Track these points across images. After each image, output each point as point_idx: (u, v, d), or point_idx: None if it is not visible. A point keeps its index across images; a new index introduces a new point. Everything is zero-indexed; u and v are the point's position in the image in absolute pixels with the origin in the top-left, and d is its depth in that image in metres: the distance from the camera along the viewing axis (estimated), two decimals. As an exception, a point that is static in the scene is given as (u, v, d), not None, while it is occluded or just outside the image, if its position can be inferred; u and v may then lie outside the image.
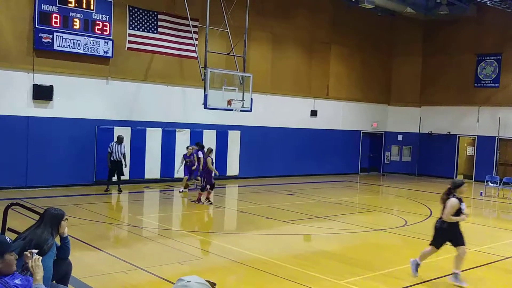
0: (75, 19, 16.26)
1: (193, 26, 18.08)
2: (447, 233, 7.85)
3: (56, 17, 15.87)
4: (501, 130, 23.62)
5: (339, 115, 24.93)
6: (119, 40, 17.29)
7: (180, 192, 16.82)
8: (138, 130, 18.07)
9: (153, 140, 18.43)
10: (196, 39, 18.05)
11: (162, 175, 18.74)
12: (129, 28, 17.61)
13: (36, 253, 4.41)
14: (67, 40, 16.14)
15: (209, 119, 19.34)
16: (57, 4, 15.88)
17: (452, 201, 7.75)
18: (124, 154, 16.16)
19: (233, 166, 20.62)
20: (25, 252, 4.45)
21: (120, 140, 16.12)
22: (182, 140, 18.82)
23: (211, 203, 14.58)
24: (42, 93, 15.98)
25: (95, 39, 16.69)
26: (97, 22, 16.73)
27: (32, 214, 6.45)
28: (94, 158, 17.14)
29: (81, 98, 16.82)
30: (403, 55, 26.54)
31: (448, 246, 10.12)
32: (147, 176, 18.38)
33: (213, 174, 14.82)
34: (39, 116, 16.07)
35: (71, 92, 16.59)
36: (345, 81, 24.95)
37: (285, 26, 22.16)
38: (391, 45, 26.66)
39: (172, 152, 18.75)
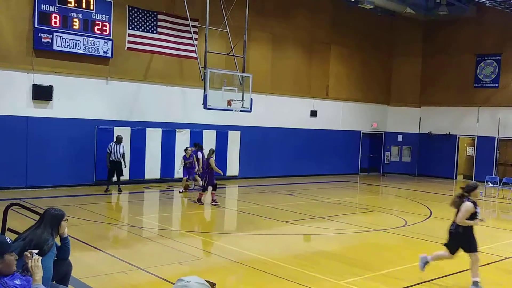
0: (74, 19, 16.25)
1: (193, 26, 18.09)
2: (462, 238, 7.62)
3: (55, 17, 15.86)
4: (500, 131, 23.63)
5: (339, 115, 24.93)
6: (118, 40, 17.29)
7: (180, 192, 16.82)
8: (138, 130, 18.06)
9: (153, 140, 18.43)
10: (195, 39, 18.05)
11: (162, 176, 18.74)
12: (128, 28, 17.61)
13: (36, 254, 4.41)
14: (67, 40, 16.14)
15: (209, 119, 19.34)
16: (57, 4, 15.88)
17: (467, 204, 7.54)
18: (123, 154, 16.16)
19: (233, 167, 20.61)
20: (25, 253, 4.45)
21: (119, 140, 16.12)
22: (182, 140, 18.82)
23: (217, 204, 14.56)
24: (42, 93, 15.97)
25: (94, 39, 16.68)
26: (97, 22, 16.73)
27: (32, 214, 6.44)
28: (94, 158, 17.14)
29: (81, 98, 16.81)
30: (403, 55, 26.54)
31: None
32: (147, 176, 18.38)
33: (215, 174, 14.76)
34: (39, 116, 16.06)
35: (70, 92, 16.58)
36: (345, 81, 24.95)
37: (285, 26, 22.15)
38: (391, 45, 26.66)
39: (172, 152, 18.75)
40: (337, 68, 24.52)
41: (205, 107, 16.39)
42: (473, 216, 7.57)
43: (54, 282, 5.44)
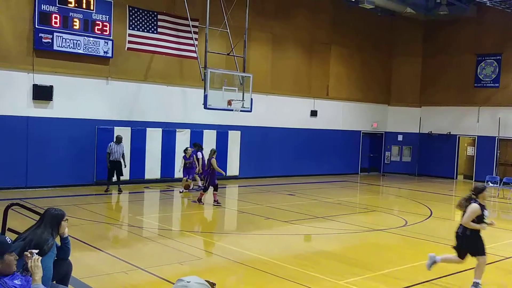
0: (75, 19, 16.26)
1: (193, 26, 18.09)
2: (470, 242, 7.49)
3: (56, 17, 15.87)
4: (501, 130, 23.62)
5: (339, 115, 24.93)
6: (119, 40, 17.29)
7: (180, 192, 16.82)
8: (138, 130, 18.06)
9: (153, 140, 18.43)
10: (196, 39, 18.05)
11: (162, 175, 18.74)
12: (129, 28, 17.61)
13: (36, 253, 4.41)
14: (67, 40, 16.14)
15: (209, 119, 19.34)
16: (57, 4, 15.88)
17: (473, 206, 7.40)
18: (123, 154, 16.16)
19: (233, 166, 20.61)
20: (25, 252, 4.45)
21: (119, 140, 16.12)
22: (182, 140, 18.82)
23: (219, 204, 14.55)
24: (42, 93, 15.98)
25: (95, 39, 16.69)
26: (97, 22, 16.73)
27: (32, 214, 6.45)
28: (94, 158, 17.14)
29: (81, 98, 16.82)
30: (403, 55, 26.54)
31: (449, 247, 10.11)
32: (147, 176, 18.38)
33: (217, 174, 14.74)
34: (39, 116, 16.06)
35: (71, 92, 16.59)
36: (345, 81, 24.95)
37: (285, 26, 22.16)
38: (391, 45, 26.66)
39: (172, 152, 18.75)
40: (337, 68, 24.52)
41: (205, 107, 16.40)
42: (480, 219, 7.42)
43: (54, 282, 5.45)
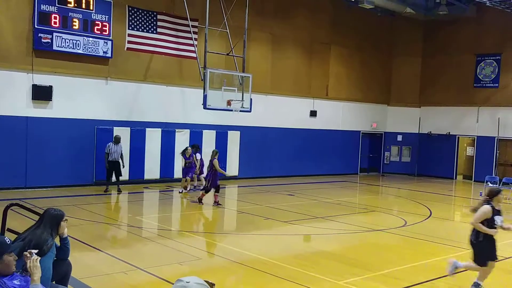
0: (74, 19, 16.25)
1: (193, 26, 18.09)
2: (484, 247, 7.30)
3: (55, 17, 15.86)
4: (500, 130, 23.63)
5: (338, 115, 24.93)
6: (118, 40, 17.28)
7: (179, 192, 16.81)
8: (138, 130, 18.06)
9: (153, 140, 18.43)
10: (195, 39, 18.05)
11: (162, 176, 18.74)
12: (128, 28, 17.60)
13: (36, 254, 4.40)
14: (67, 40, 16.13)
15: (209, 119, 19.34)
16: (57, 4, 15.87)
17: (484, 207, 7.24)
18: (121, 154, 16.15)
19: (232, 167, 20.60)
20: (24, 252, 4.44)
21: (117, 140, 16.11)
22: (182, 140, 18.82)
23: (219, 205, 14.54)
24: (42, 94, 15.97)
25: (94, 39, 16.68)
26: (97, 22, 16.72)
27: (31, 214, 6.44)
28: (94, 159, 17.13)
29: (80, 98, 16.81)
30: (402, 55, 26.55)
31: (449, 247, 10.13)
32: (147, 176, 18.37)
33: (218, 175, 14.70)
34: (39, 116, 16.06)
35: (70, 92, 16.58)
36: (345, 81, 24.95)
37: (284, 26, 22.15)
38: (391, 46, 26.66)
39: (171, 152, 18.74)
40: (337, 68, 24.52)
41: (204, 107, 16.39)
42: (490, 224, 7.25)
43: (54, 282, 5.44)
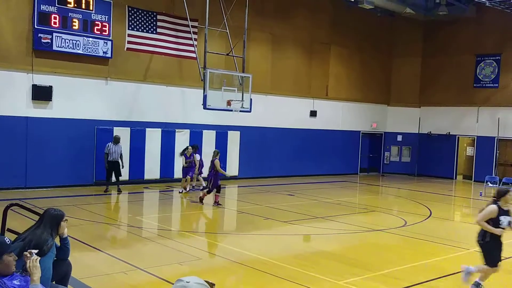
0: (74, 20, 16.25)
1: (192, 26, 18.09)
2: (493, 247, 7.25)
3: (55, 18, 15.86)
4: (500, 131, 23.63)
5: (338, 115, 24.93)
6: (118, 41, 17.28)
7: (179, 193, 16.81)
8: (138, 130, 18.06)
9: (153, 140, 18.43)
10: (195, 39, 18.04)
11: (162, 176, 18.74)
12: (128, 29, 17.60)
13: (36, 254, 4.40)
14: (66, 40, 16.14)
15: (209, 119, 19.34)
16: (56, 5, 15.87)
17: (490, 207, 7.22)
18: (121, 154, 16.14)
19: (232, 167, 20.60)
20: (24, 252, 4.44)
21: (116, 140, 16.11)
22: (182, 140, 18.82)
23: (220, 205, 14.54)
24: (42, 94, 15.97)
25: (94, 39, 16.68)
26: (96, 22, 16.72)
27: (31, 214, 6.44)
28: (94, 159, 17.13)
29: (80, 98, 16.81)
30: (402, 55, 26.55)
31: (448, 247, 10.13)
32: (147, 176, 18.38)
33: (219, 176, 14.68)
34: (39, 116, 16.06)
35: (70, 92, 16.58)
36: (345, 82, 24.95)
37: (284, 26, 22.16)
38: (391, 46, 26.67)
39: (171, 152, 18.74)
40: (337, 68, 24.52)
41: (204, 107, 16.39)
42: (496, 223, 7.18)
43: (54, 282, 5.44)
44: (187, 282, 2.85)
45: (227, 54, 18.57)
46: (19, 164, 15.74)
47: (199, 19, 18.35)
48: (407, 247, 10.69)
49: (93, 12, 16.65)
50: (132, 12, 17.67)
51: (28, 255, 4.35)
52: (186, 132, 19.13)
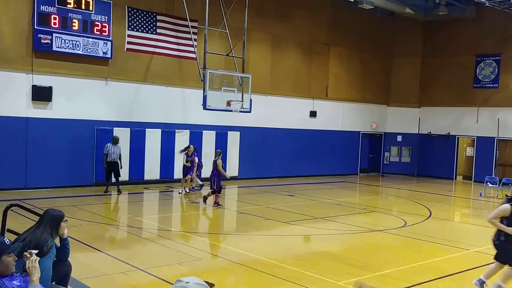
0: (74, 20, 16.26)
1: (192, 27, 18.10)
2: (508, 247, 7.14)
3: (55, 18, 15.86)
4: (500, 131, 23.64)
5: (338, 115, 24.94)
6: (118, 41, 17.29)
7: (179, 193, 16.80)
8: (138, 131, 18.06)
9: (153, 141, 18.43)
10: (195, 40, 18.05)
11: (162, 176, 18.74)
12: (128, 29, 17.61)
13: (36, 254, 4.40)
14: (66, 41, 16.14)
15: (209, 120, 19.34)
16: (56, 5, 15.88)
17: (503, 206, 7.17)
18: (120, 155, 16.14)
19: (232, 167, 20.60)
20: (24, 253, 4.44)
21: (115, 141, 16.10)
22: (182, 141, 18.81)
23: (220, 206, 14.54)
24: (41, 94, 15.97)
25: (94, 40, 16.68)
26: (96, 23, 16.73)
27: (31, 215, 6.45)
28: (94, 159, 17.13)
29: (80, 99, 16.82)
30: (402, 56, 26.56)
31: (448, 247, 10.13)
32: (147, 177, 18.38)
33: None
34: (39, 117, 16.06)
35: (70, 93, 16.59)
36: (345, 82, 24.96)
37: (284, 27, 22.16)
38: (391, 46, 26.67)
39: (171, 153, 18.74)
40: (337, 68, 24.53)
41: (204, 108, 16.39)
42: (510, 222, 7.10)
43: (54, 283, 5.45)
44: (186, 282, 2.85)
45: (227, 55, 18.58)
46: (19, 165, 15.74)
47: (199, 20, 18.36)
48: (407, 248, 10.70)
49: (93, 12, 16.66)
50: (132, 12, 17.68)
51: (28, 255, 4.35)
52: (186, 133, 19.14)
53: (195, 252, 9.57)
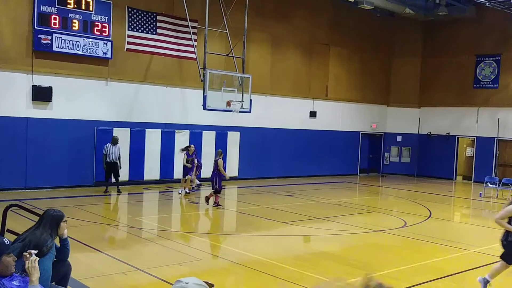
0: (74, 20, 16.26)
1: (192, 27, 18.10)
2: (509, 248, 7.18)
3: (55, 18, 15.86)
4: (500, 131, 23.64)
5: (338, 116, 24.94)
6: (118, 41, 17.29)
7: (179, 193, 16.80)
8: (138, 131, 18.06)
9: (153, 141, 18.43)
10: (195, 40, 18.05)
11: (162, 176, 18.73)
12: (128, 29, 17.61)
13: (36, 254, 4.40)
14: (66, 41, 16.14)
15: (208, 120, 19.34)
16: (56, 5, 15.88)
17: (510, 206, 7.17)
18: (119, 155, 16.13)
19: (232, 167, 20.59)
20: (24, 253, 4.44)
21: (115, 141, 16.10)
22: (182, 141, 18.81)
23: (220, 206, 14.54)
24: (41, 94, 15.97)
25: (94, 40, 16.68)
26: (96, 23, 16.73)
27: (31, 215, 6.45)
28: (94, 160, 17.12)
29: (80, 99, 16.82)
30: (402, 56, 26.56)
31: (448, 247, 10.13)
32: (147, 177, 18.37)
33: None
34: (39, 117, 16.06)
35: (70, 93, 16.58)
36: (344, 82, 24.96)
37: (284, 27, 22.16)
38: (391, 46, 26.67)
39: (171, 153, 18.74)
40: (337, 68, 24.53)
41: (204, 108, 16.40)
42: None
43: (54, 283, 5.45)
44: (186, 283, 2.85)
45: (227, 55, 18.58)
46: (19, 165, 15.74)
47: (199, 20, 18.36)
48: (407, 248, 10.70)
49: (93, 12, 16.66)
50: (132, 12, 17.68)
51: (27, 255, 4.35)
52: (186, 133, 19.13)
53: (195, 252, 9.57)
